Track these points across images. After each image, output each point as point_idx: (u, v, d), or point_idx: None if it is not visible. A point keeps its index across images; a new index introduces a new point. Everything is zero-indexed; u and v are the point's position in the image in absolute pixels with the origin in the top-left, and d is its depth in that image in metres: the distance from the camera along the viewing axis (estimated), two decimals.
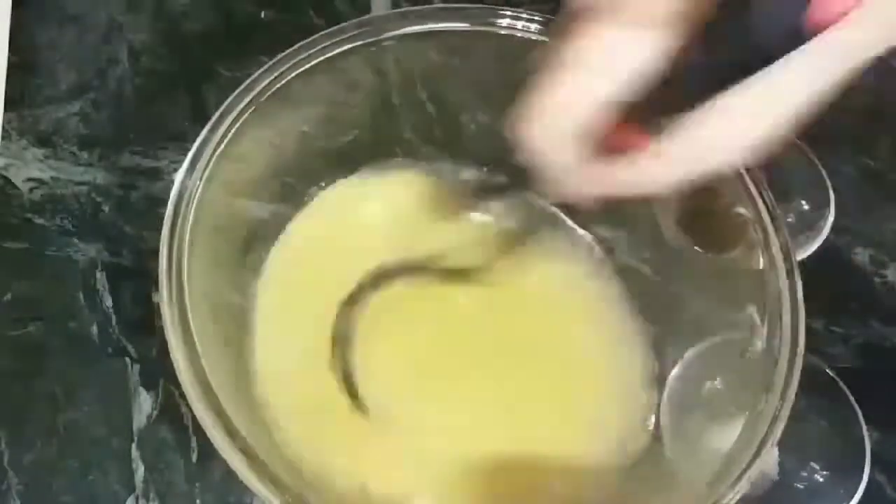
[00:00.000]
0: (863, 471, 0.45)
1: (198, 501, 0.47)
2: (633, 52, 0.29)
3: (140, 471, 0.48)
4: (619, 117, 0.31)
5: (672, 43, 0.29)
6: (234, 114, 0.41)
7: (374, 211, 0.51)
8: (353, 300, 0.46)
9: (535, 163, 0.34)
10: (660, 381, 0.47)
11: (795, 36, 0.26)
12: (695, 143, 0.30)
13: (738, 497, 0.36)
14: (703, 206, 0.44)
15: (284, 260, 0.49)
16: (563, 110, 0.32)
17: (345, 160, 0.50)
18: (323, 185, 0.50)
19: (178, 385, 0.36)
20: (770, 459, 0.45)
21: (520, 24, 0.44)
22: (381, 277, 0.47)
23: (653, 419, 0.46)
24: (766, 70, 0.27)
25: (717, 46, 0.28)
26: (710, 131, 0.30)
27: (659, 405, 0.46)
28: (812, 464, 0.46)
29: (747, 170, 0.41)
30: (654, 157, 0.31)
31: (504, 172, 0.46)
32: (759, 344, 0.39)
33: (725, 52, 0.28)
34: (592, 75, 0.30)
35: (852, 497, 0.45)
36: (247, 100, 0.42)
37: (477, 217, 0.51)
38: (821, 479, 0.45)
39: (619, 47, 0.30)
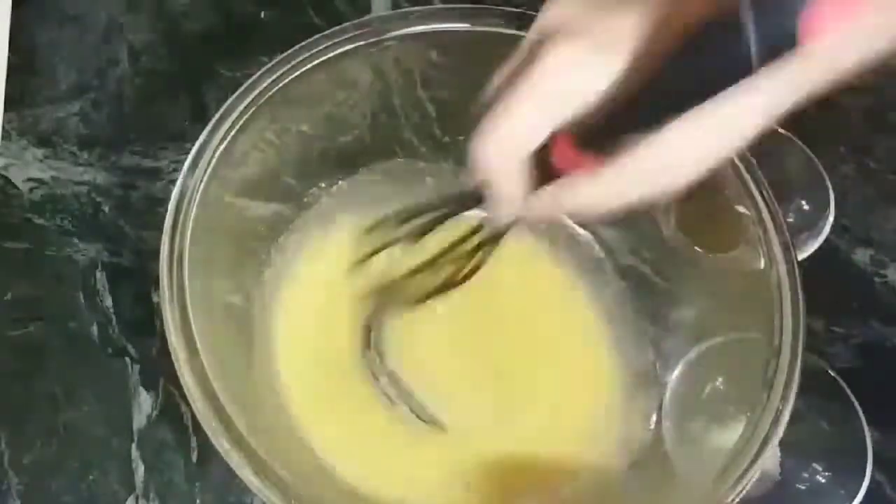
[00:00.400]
0: (864, 471, 0.45)
1: (198, 501, 0.47)
2: (590, 76, 0.30)
3: (140, 471, 0.47)
4: (565, 138, 0.31)
5: (630, 68, 0.29)
6: (235, 114, 0.41)
7: (376, 212, 0.51)
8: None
9: (484, 183, 0.34)
10: (661, 381, 0.47)
11: (748, 69, 0.26)
12: (641, 165, 0.30)
13: (739, 497, 0.36)
14: (703, 206, 0.44)
15: (286, 260, 0.49)
16: (516, 132, 0.32)
17: (345, 160, 0.50)
18: (323, 185, 0.50)
19: (178, 385, 0.36)
20: (772, 460, 0.45)
21: (521, 25, 0.44)
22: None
23: (654, 419, 0.46)
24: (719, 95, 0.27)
25: (674, 76, 0.28)
26: (657, 155, 0.30)
27: (660, 405, 0.46)
28: (814, 464, 0.46)
29: (748, 169, 0.41)
30: (597, 178, 0.31)
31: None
32: (761, 344, 0.39)
33: (681, 82, 0.28)
34: (546, 99, 0.31)
35: (854, 498, 0.45)
36: (247, 100, 0.42)
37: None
38: (822, 480, 0.45)
39: (576, 70, 0.30)
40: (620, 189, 0.32)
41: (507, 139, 0.32)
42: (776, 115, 0.29)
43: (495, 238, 0.40)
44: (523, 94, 0.31)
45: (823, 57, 0.26)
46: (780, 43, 0.25)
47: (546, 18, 0.32)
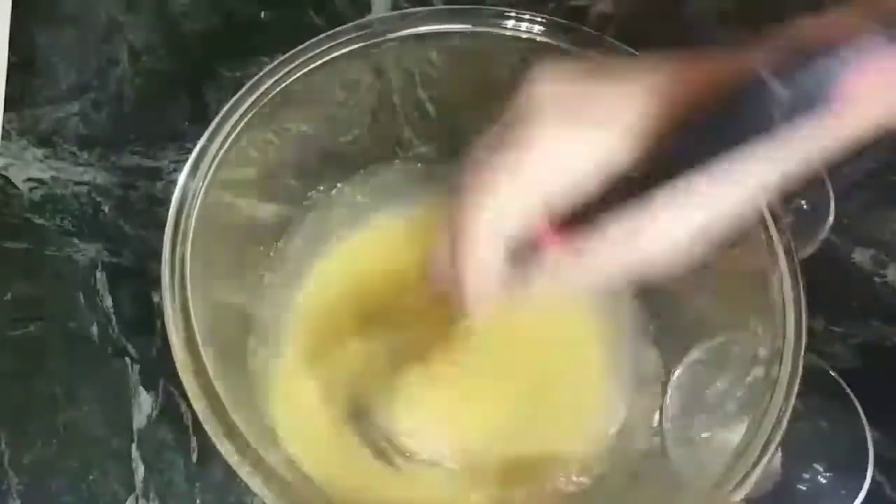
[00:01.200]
0: (865, 472, 0.45)
1: (198, 501, 0.47)
2: (576, 156, 0.29)
3: (140, 471, 0.47)
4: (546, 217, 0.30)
5: (622, 148, 0.28)
6: (236, 115, 0.41)
7: (378, 214, 0.51)
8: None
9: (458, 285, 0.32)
10: (662, 381, 0.47)
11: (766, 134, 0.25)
12: (624, 238, 0.29)
13: (741, 498, 0.36)
14: None
15: (287, 260, 0.49)
16: (494, 218, 0.30)
17: (345, 160, 0.50)
18: (324, 185, 0.50)
19: (178, 385, 0.36)
20: (772, 460, 0.45)
21: (523, 26, 0.44)
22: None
23: (656, 419, 0.46)
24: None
25: (672, 156, 0.27)
26: (644, 226, 0.29)
27: (662, 405, 0.46)
28: (815, 465, 0.46)
29: None
30: (584, 252, 0.30)
31: None
32: (763, 345, 0.39)
33: (680, 162, 0.27)
34: (529, 181, 0.29)
35: (855, 498, 0.45)
36: (248, 101, 0.42)
37: None
38: (824, 481, 0.45)
39: (562, 150, 0.29)
40: (607, 262, 0.30)
41: (484, 226, 0.30)
42: (784, 173, 0.28)
43: None
44: (504, 176, 0.29)
45: (852, 117, 0.26)
46: (809, 109, 0.25)
47: (532, 93, 0.30)
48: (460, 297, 0.32)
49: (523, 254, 0.31)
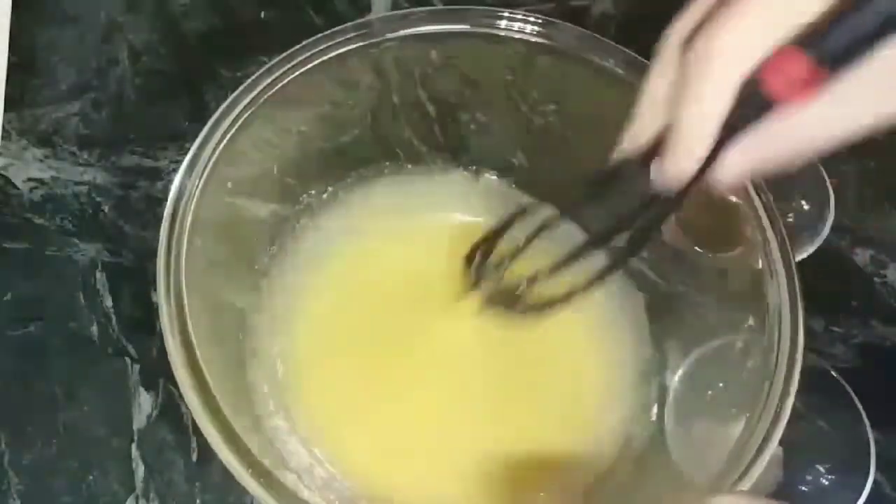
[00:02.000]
0: (868, 472, 0.45)
1: (198, 501, 0.47)
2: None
3: (140, 471, 0.48)
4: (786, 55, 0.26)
5: None
6: (234, 114, 0.41)
7: (379, 216, 0.51)
8: None
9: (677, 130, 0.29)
10: (663, 382, 0.47)
11: None
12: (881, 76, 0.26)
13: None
14: (703, 206, 0.44)
15: (284, 261, 0.49)
16: (738, 44, 0.27)
17: (344, 160, 0.50)
18: (323, 185, 0.50)
19: (178, 385, 0.36)
20: (775, 461, 0.45)
21: (516, 26, 0.44)
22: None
23: (655, 417, 0.46)
24: None
25: None
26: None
27: (661, 404, 0.46)
28: (817, 465, 0.46)
29: None
30: (830, 97, 0.26)
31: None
32: (760, 344, 0.39)
33: None
34: (770, 10, 0.26)
35: (858, 499, 0.44)
36: (246, 100, 0.42)
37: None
38: (826, 482, 0.45)
39: None
40: (856, 109, 0.27)
41: (726, 50, 0.27)
42: None
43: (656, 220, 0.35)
44: (735, 18, 0.27)
45: None
46: None
47: None
48: (674, 144, 0.30)
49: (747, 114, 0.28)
